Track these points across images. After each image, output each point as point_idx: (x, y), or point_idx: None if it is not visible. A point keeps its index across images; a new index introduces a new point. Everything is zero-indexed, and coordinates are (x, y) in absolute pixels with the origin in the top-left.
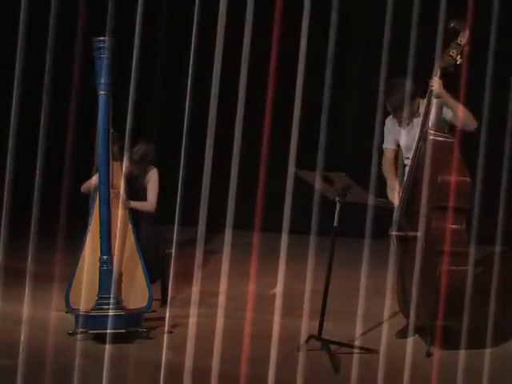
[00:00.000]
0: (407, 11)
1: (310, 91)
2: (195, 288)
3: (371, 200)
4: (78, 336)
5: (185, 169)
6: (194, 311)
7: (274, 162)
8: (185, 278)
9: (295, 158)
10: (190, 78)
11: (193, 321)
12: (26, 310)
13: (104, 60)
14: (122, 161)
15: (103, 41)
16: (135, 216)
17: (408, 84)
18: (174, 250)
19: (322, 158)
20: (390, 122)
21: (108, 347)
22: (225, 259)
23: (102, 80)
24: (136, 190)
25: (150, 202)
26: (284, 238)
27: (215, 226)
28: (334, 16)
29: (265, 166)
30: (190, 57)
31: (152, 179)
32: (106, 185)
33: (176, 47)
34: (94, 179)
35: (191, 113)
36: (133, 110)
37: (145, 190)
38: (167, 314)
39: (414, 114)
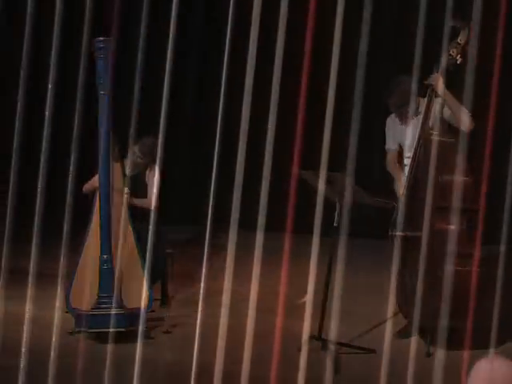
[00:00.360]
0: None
1: (344, 92)
2: (227, 287)
3: (371, 200)
4: (78, 335)
5: (218, 170)
6: (224, 311)
7: (306, 163)
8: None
9: (328, 159)
10: (224, 77)
11: (221, 321)
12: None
13: (104, 60)
14: (122, 161)
15: (103, 41)
16: (136, 215)
17: (409, 81)
18: (206, 251)
19: (353, 159)
20: (391, 121)
21: (108, 346)
22: (256, 261)
23: (102, 80)
24: (137, 187)
25: (150, 199)
26: (315, 241)
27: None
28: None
29: (297, 166)
30: (223, 55)
31: (153, 176)
32: (107, 184)
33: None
34: (96, 180)
35: (224, 115)
36: (166, 110)
37: (146, 186)
38: (200, 308)
39: (415, 112)
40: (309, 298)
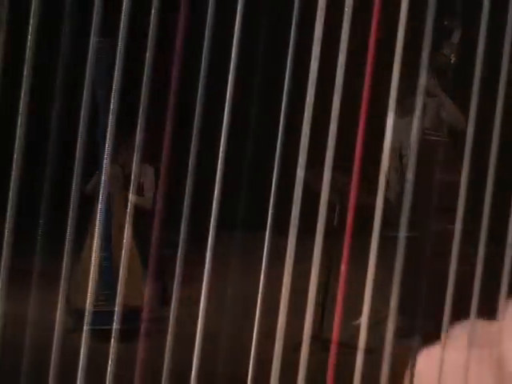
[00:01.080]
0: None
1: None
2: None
3: (371, 199)
4: (77, 333)
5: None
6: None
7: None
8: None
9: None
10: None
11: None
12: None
13: (105, 60)
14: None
15: (104, 41)
16: (137, 214)
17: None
18: (265, 255)
19: None
20: (391, 119)
21: (107, 345)
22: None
23: (102, 80)
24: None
25: (147, 198)
26: (374, 242)
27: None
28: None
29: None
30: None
31: (148, 175)
32: (106, 183)
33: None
34: (96, 179)
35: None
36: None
37: (141, 185)
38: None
39: (412, 106)
40: (364, 319)
